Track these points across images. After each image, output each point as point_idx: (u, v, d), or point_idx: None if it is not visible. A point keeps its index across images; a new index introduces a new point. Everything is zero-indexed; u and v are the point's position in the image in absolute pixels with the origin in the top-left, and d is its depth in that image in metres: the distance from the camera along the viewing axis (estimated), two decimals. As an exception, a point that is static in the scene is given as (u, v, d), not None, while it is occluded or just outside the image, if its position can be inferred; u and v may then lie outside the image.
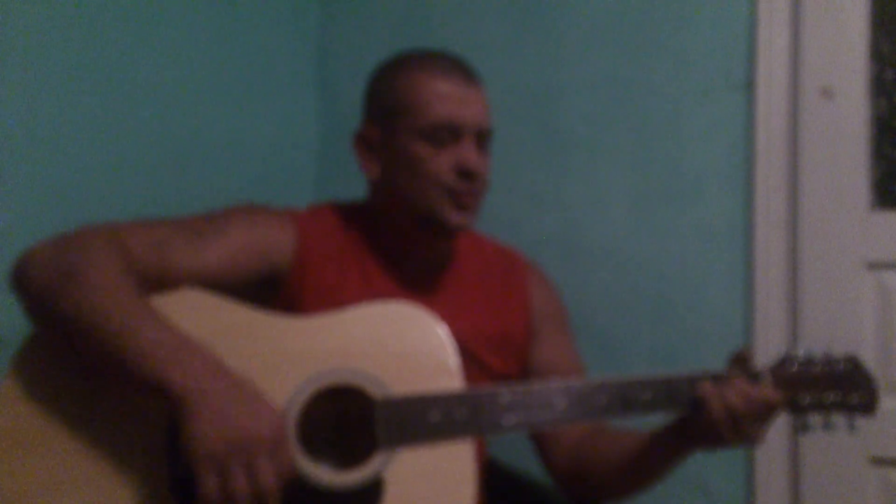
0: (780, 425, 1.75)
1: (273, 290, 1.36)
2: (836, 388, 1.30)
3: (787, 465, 1.87)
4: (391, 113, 1.40)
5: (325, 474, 1.17)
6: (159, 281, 1.22)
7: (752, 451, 1.86)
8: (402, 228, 1.41)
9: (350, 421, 1.26)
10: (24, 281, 1.17)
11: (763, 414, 1.25)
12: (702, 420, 1.26)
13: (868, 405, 1.30)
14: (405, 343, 1.25)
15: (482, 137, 1.39)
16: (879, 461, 1.82)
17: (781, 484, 1.87)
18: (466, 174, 1.35)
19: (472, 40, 2.15)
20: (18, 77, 1.65)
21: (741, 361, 1.30)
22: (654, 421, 1.33)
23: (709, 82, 1.94)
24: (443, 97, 1.36)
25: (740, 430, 1.24)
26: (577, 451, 1.45)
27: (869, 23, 1.84)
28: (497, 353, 1.45)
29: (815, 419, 1.30)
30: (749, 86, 1.90)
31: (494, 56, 2.15)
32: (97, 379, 1.16)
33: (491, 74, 2.11)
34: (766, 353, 1.85)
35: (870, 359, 1.55)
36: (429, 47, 1.47)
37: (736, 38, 1.92)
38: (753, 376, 1.28)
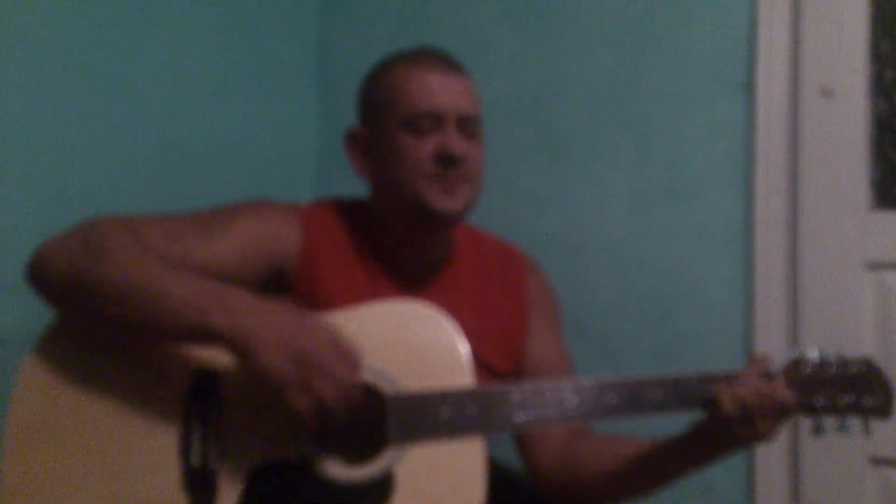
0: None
1: (280, 286, 1.35)
2: (850, 390, 1.28)
3: (787, 465, 1.87)
4: (376, 110, 1.41)
5: (336, 469, 1.17)
6: None
7: (752, 450, 1.86)
8: (399, 224, 1.42)
9: (361, 417, 1.26)
10: (46, 270, 1.19)
11: (775, 412, 1.24)
12: (714, 419, 1.25)
13: (883, 408, 1.28)
14: (417, 340, 1.25)
15: (466, 123, 1.38)
16: (879, 461, 1.82)
17: (781, 484, 1.87)
18: (448, 159, 1.35)
19: (472, 40, 2.15)
20: (18, 77, 1.64)
21: (755, 363, 1.29)
22: (657, 424, 1.33)
23: (709, 82, 1.95)
24: (422, 86, 1.37)
25: (753, 426, 1.23)
26: (563, 453, 1.44)
27: (869, 23, 1.85)
28: (497, 351, 1.44)
29: (829, 421, 1.28)
30: (749, 86, 1.90)
31: (494, 56, 2.15)
32: (127, 355, 1.20)
33: (491, 74, 2.14)
34: (766, 352, 1.85)
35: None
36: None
37: (736, 38, 1.92)
38: (766, 376, 1.27)
